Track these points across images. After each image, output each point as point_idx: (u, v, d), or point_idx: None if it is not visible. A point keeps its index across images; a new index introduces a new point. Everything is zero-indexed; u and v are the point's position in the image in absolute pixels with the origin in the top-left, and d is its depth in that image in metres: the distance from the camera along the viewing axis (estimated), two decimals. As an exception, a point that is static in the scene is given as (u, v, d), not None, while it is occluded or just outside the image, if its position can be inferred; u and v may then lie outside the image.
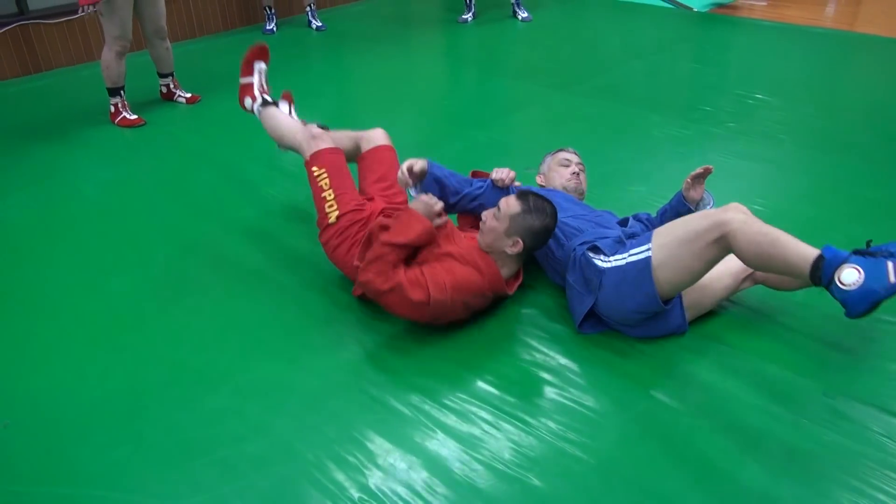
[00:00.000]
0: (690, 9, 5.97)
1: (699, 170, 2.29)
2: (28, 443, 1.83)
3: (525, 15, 5.87)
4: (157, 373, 2.06)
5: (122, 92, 3.90)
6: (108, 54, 3.77)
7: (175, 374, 2.05)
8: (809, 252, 1.79)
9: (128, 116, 3.90)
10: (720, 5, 6.06)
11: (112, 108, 3.90)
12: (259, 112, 2.87)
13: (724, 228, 1.86)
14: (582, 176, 2.63)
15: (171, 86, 4.24)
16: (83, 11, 3.48)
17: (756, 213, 2.76)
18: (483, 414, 1.88)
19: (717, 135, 3.56)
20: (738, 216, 1.87)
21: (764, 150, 3.37)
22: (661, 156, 3.37)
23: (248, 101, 2.93)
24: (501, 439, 1.80)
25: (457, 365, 2.06)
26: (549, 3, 6.47)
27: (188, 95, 4.24)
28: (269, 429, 1.85)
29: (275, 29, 5.57)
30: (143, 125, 3.88)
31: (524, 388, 1.97)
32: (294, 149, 2.64)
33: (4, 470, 1.74)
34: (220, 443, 1.80)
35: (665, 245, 1.95)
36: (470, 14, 5.83)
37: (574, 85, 4.31)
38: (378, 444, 1.79)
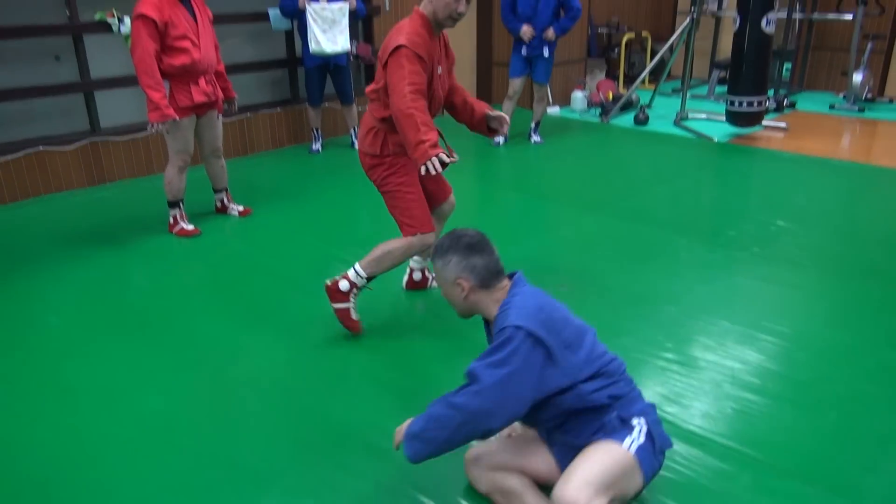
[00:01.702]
0: (711, 139, 6.31)
1: None
2: (93, 535, 1.92)
3: (537, 139, 6.26)
4: (210, 471, 2.17)
5: (181, 204, 4.20)
6: (171, 170, 4.11)
7: (228, 473, 2.16)
8: None
9: (185, 227, 4.18)
10: (739, 136, 6.40)
11: (171, 220, 4.19)
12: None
13: None
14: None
15: (225, 199, 4.54)
16: (152, 128, 3.85)
17: (784, 335, 2.89)
18: (527, 523, 1.94)
19: (742, 259, 3.72)
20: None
21: (789, 275, 3.52)
22: (689, 278, 3.53)
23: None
24: (546, 549, 1.85)
25: (500, 474, 2.14)
26: (576, 129, 6.87)
27: (241, 208, 4.53)
28: (322, 530, 1.92)
29: (320, 149, 5.98)
30: (198, 235, 4.14)
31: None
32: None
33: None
34: (275, 542, 1.88)
35: None
36: (502, 136, 6.22)
37: (602, 207, 4.54)
38: (427, 550, 1.85)
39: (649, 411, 1.87)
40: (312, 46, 5.39)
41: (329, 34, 5.40)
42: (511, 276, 1.95)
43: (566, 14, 5.76)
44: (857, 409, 2.45)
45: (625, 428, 1.79)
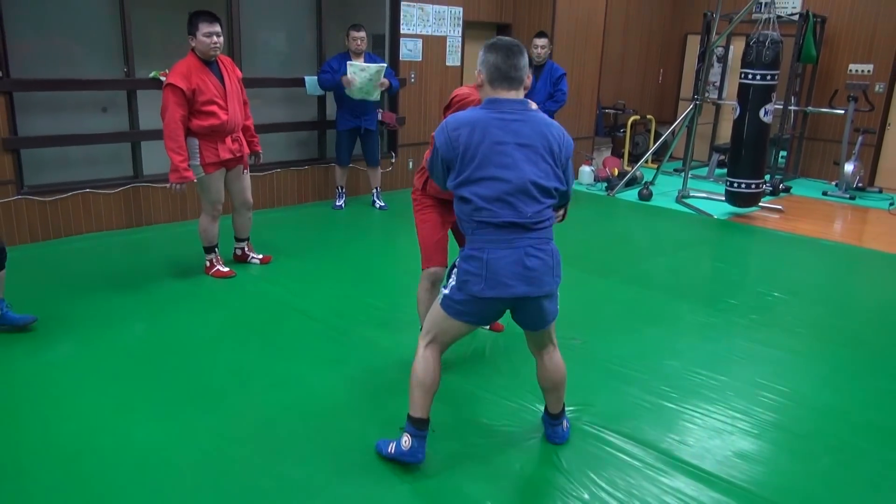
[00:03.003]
0: (711, 216, 6.68)
1: None
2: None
3: None
4: (262, 481, 2.38)
5: (216, 249, 4.47)
6: (204, 219, 4.37)
7: (277, 483, 2.37)
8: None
9: (221, 269, 4.45)
10: (738, 215, 6.78)
11: (207, 263, 4.46)
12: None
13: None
14: None
15: (246, 248, 4.73)
16: (171, 188, 4.09)
17: (780, 392, 3.15)
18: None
19: (741, 324, 4.00)
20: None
21: (785, 340, 3.79)
22: (692, 337, 3.80)
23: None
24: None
25: None
26: (582, 200, 7.24)
27: (261, 256, 4.74)
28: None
29: (343, 205, 6.33)
30: (233, 277, 4.41)
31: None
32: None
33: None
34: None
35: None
36: None
37: (610, 272, 4.84)
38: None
39: (493, 253, 2.25)
40: (346, 79, 5.72)
41: (365, 89, 5.82)
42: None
43: (553, 97, 6.16)
44: (847, 459, 2.69)
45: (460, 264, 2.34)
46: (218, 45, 4.09)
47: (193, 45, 4.08)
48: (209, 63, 4.13)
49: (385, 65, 5.91)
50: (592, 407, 2.96)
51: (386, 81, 5.94)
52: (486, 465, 2.54)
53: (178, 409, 2.83)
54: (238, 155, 4.34)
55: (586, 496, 2.39)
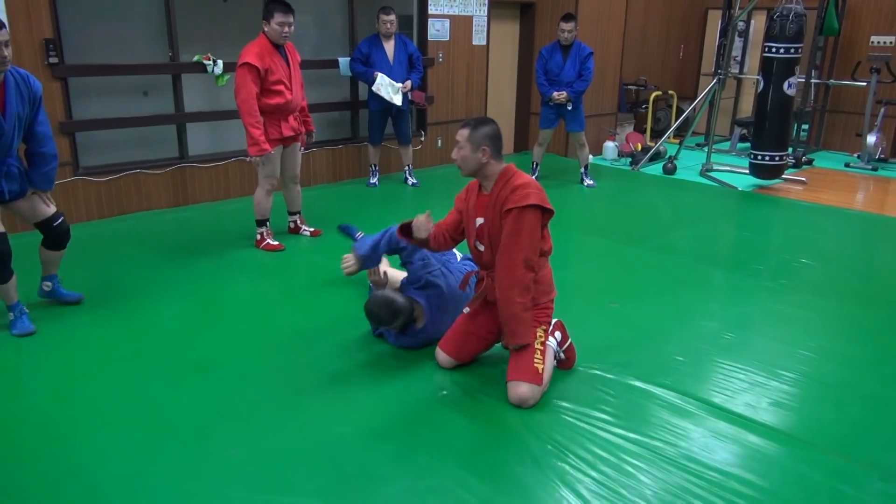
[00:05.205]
0: (735, 188, 6.82)
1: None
2: None
3: (590, 182, 6.78)
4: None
5: (267, 223, 4.71)
6: (259, 192, 4.63)
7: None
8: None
9: (271, 242, 4.68)
10: (762, 186, 6.91)
11: (258, 236, 4.70)
12: None
13: None
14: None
15: (298, 221, 5.04)
16: (251, 160, 4.42)
17: (812, 348, 3.34)
18: None
19: (771, 288, 4.17)
20: None
21: (813, 302, 3.96)
22: (725, 300, 3.99)
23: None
24: None
25: None
26: (607, 175, 7.40)
27: (311, 229, 5.03)
28: None
29: (377, 183, 6.53)
30: (282, 250, 4.64)
31: None
32: None
33: None
34: None
35: None
36: (534, 175, 6.75)
37: (641, 242, 5.02)
38: None
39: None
40: (374, 87, 6.02)
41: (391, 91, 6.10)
42: None
43: (581, 77, 6.40)
44: (877, 407, 2.87)
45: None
46: (288, 34, 4.39)
47: (266, 29, 4.37)
48: (277, 47, 4.41)
49: (400, 85, 6.15)
50: (634, 363, 3.16)
51: (408, 84, 6.18)
52: (543, 413, 2.75)
53: (276, 393, 3.01)
54: (297, 132, 4.66)
55: (639, 436, 2.60)
